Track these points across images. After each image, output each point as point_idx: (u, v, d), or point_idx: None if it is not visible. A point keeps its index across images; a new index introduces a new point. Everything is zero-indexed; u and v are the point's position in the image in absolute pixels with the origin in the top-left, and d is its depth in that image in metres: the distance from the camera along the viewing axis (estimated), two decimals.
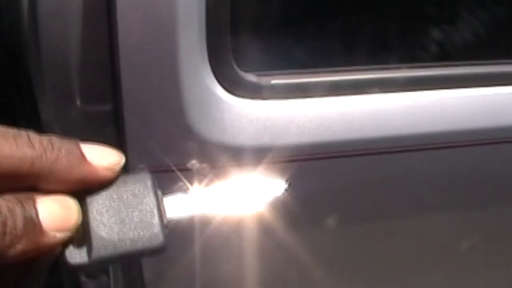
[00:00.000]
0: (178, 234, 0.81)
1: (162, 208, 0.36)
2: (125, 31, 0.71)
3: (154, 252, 0.34)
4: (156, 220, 0.35)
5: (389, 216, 0.93)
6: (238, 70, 0.77)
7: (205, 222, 0.84)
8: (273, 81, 0.79)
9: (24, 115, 0.85)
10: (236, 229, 0.87)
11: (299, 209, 0.82)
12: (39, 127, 0.81)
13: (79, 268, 0.34)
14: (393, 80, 0.83)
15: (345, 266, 0.99)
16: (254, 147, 0.78)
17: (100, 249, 0.34)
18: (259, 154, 0.78)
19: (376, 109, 0.82)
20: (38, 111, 0.80)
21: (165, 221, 0.35)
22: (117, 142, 0.79)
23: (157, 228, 0.34)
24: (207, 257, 0.92)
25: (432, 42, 0.94)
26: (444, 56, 0.97)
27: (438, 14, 0.96)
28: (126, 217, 0.34)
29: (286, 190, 0.40)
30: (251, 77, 0.79)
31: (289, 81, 0.80)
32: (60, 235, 0.34)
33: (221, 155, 0.78)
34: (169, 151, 0.77)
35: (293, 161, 0.80)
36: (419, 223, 0.96)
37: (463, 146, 0.88)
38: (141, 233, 0.34)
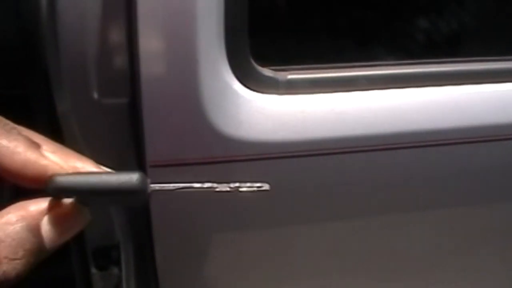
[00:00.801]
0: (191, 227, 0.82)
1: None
2: (144, 25, 0.71)
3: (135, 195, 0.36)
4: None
5: (401, 212, 0.94)
6: (255, 65, 0.78)
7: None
8: (289, 76, 0.80)
9: (40, 107, 0.85)
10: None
11: (316, 202, 0.83)
12: (55, 120, 0.81)
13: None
14: (411, 76, 0.84)
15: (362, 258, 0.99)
16: (270, 141, 0.79)
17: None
18: (274, 149, 0.79)
19: (394, 105, 0.83)
20: (54, 104, 0.80)
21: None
22: (134, 135, 0.80)
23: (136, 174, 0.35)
24: (219, 251, 0.92)
25: (446, 37, 0.95)
26: (466, 51, 0.97)
27: (460, 9, 0.96)
28: None
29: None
30: (268, 72, 0.79)
31: (305, 76, 0.81)
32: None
33: (237, 149, 0.78)
34: (186, 144, 0.77)
35: (308, 156, 0.81)
36: (437, 218, 0.97)
37: (487, 141, 0.88)
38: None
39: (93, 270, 0.98)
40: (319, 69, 0.82)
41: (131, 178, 0.36)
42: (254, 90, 0.78)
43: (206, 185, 0.40)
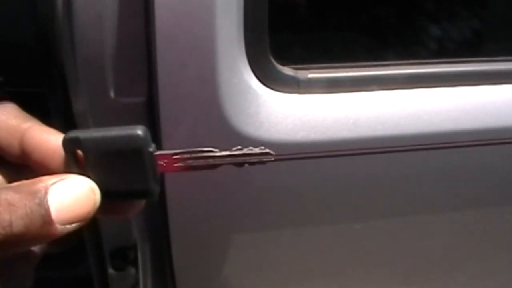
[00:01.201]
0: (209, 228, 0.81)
1: (153, 164, 0.39)
2: (162, 23, 0.70)
3: (147, 200, 0.39)
4: (147, 175, 0.38)
5: (422, 214, 0.92)
6: (276, 64, 0.76)
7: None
8: (310, 75, 0.78)
9: (56, 105, 0.84)
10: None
11: (336, 204, 0.81)
12: (71, 118, 0.80)
13: None
14: (435, 76, 0.81)
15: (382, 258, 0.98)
16: (289, 142, 0.77)
17: (102, 201, 0.38)
18: (294, 150, 0.77)
19: (419, 105, 0.80)
20: (70, 102, 0.80)
21: (156, 176, 0.39)
22: (150, 133, 0.78)
23: (148, 184, 0.38)
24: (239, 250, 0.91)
25: (475, 35, 0.92)
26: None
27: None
28: (120, 173, 0.38)
29: None
30: (288, 71, 0.77)
31: (327, 75, 0.79)
32: (70, 227, 0.35)
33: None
34: (203, 144, 0.76)
35: (328, 157, 0.79)
36: (460, 221, 0.95)
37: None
38: (135, 188, 0.38)
39: (110, 271, 0.98)
40: (341, 68, 0.80)
41: (149, 191, 0.38)
42: (274, 89, 0.77)
43: (206, 149, 0.42)
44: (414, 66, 0.82)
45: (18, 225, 0.34)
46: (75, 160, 0.40)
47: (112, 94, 0.78)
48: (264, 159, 0.41)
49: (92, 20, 0.74)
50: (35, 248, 0.41)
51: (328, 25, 0.88)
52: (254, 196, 0.83)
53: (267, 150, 0.41)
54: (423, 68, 0.82)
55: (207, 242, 0.89)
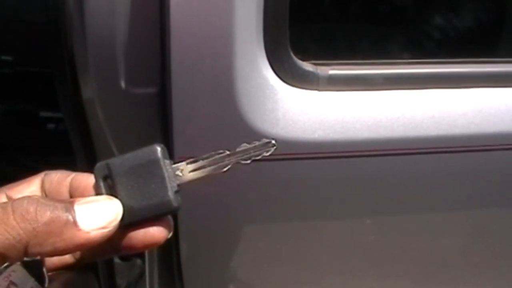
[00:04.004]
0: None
1: (171, 176, 0.42)
2: (178, 13, 0.66)
3: (170, 214, 0.41)
4: (166, 188, 0.41)
5: (441, 213, 0.89)
6: (295, 59, 0.73)
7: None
8: (331, 72, 0.74)
9: (64, 90, 0.82)
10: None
11: (352, 202, 0.78)
12: (79, 105, 0.78)
13: None
14: (457, 76, 0.78)
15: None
16: (306, 141, 0.74)
17: (126, 217, 0.40)
18: (311, 149, 0.74)
19: (441, 106, 0.77)
20: (79, 89, 0.77)
21: (175, 187, 0.41)
22: (161, 128, 0.76)
23: (168, 195, 0.41)
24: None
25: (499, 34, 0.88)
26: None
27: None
28: (142, 189, 0.41)
29: None
30: (308, 66, 0.74)
31: (348, 72, 0.75)
32: (97, 233, 0.38)
33: None
34: (217, 140, 0.73)
35: (345, 157, 0.76)
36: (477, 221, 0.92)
37: None
38: (156, 201, 0.41)
39: (116, 260, 0.97)
40: (362, 65, 0.77)
41: (169, 203, 0.41)
42: (292, 85, 0.74)
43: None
44: (444, 65, 0.78)
45: (42, 214, 0.36)
46: (104, 186, 0.42)
47: (122, 83, 0.75)
48: (267, 150, 0.42)
49: (104, 5, 0.71)
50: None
51: (351, 19, 0.84)
52: (264, 190, 0.81)
53: (268, 140, 0.42)
54: (452, 68, 0.79)
55: (215, 235, 0.88)
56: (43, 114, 1.24)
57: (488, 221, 0.94)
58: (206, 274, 0.95)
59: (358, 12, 0.83)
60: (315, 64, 0.75)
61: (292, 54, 0.73)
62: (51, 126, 1.25)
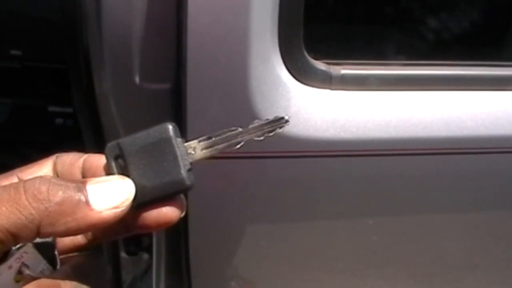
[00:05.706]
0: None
1: (183, 154, 0.41)
2: (195, 10, 0.67)
3: (183, 192, 0.41)
4: (179, 166, 0.40)
5: (453, 213, 0.90)
6: (308, 57, 0.74)
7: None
8: (343, 71, 0.75)
9: (78, 84, 0.82)
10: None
11: (361, 201, 0.79)
12: (93, 100, 0.79)
13: None
14: (469, 78, 0.79)
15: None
16: (317, 139, 0.75)
17: (138, 197, 0.39)
18: (323, 147, 0.75)
19: (455, 108, 0.78)
20: (93, 83, 0.78)
21: (187, 165, 0.40)
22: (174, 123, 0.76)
23: (181, 174, 0.40)
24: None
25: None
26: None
27: None
28: (154, 167, 0.40)
29: None
30: (320, 65, 0.75)
31: (360, 72, 0.76)
32: (109, 212, 0.37)
33: (283, 145, 0.75)
34: None
35: (357, 156, 0.77)
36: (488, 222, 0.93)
37: None
38: (169, 179, 0.40)
39: (123, 254, 0.97)
40: (375, 65, 0.77)
41: (182, 181, 0.40)
42: (305, 84, 0.74)
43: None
44: (456, 68, 0.79)
45: (54, 194, 0.36)
46: (115, 166, 0.42)
47: (137, 78, 0.76)
48: (280, 126, 0.41)
49: (121, 1, 0.71)
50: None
51: (365, 19, 0.85)
52: (275, 188, 0.81)
53: (281, 116, 0.41)
54: (464, 70, 0.80)
55: (225, 231, 0.88)
56: (52, 109, 1.24)
57: (495, 223, 0.95)
58: (214, 270, 0.95)
59: (372, 13, 0.84)
60: (328, 64, 0.76)
61: (305, 53, 0.74)
62: (59, 121, 1.25)
